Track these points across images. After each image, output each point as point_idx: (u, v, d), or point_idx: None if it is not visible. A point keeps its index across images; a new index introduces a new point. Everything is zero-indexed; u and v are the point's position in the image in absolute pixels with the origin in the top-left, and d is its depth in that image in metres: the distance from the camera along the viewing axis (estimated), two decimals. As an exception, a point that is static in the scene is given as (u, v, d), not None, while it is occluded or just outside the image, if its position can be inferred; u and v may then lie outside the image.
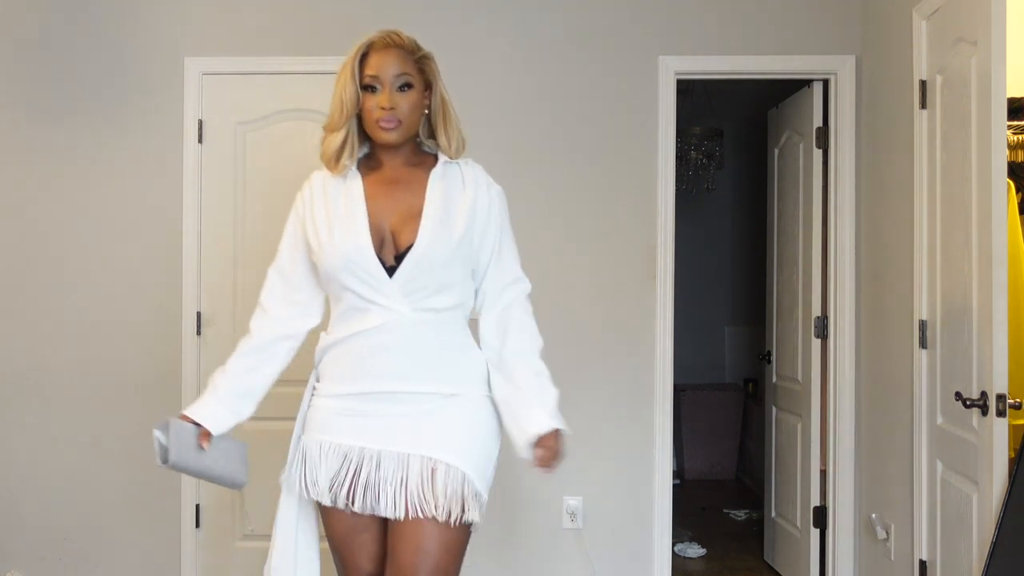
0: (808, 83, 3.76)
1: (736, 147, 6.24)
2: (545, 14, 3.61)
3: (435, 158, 2.03)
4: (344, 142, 1.97)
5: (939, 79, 2.85)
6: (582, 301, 3.55)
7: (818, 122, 3.73)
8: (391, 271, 1.90)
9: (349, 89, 1.94)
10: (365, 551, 2.00)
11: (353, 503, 1.93)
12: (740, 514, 5.15)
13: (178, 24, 3.61)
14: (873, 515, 3.34)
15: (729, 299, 6.46)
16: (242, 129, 3.59)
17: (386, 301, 1.90)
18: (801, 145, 3.89)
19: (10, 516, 3.60)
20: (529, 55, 3.61)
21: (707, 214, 6.32)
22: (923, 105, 2.95)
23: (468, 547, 1.99)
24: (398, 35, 1.97)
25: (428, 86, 2.00)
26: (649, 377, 3.59)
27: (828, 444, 3.64)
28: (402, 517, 1.89)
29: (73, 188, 3.60)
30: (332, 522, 2.00)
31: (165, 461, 1.93)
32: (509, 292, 2.05)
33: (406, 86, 1.95)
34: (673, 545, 3.87)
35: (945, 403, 2.75)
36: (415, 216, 1.93)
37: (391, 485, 1.90)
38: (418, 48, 1.99)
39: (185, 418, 1.98)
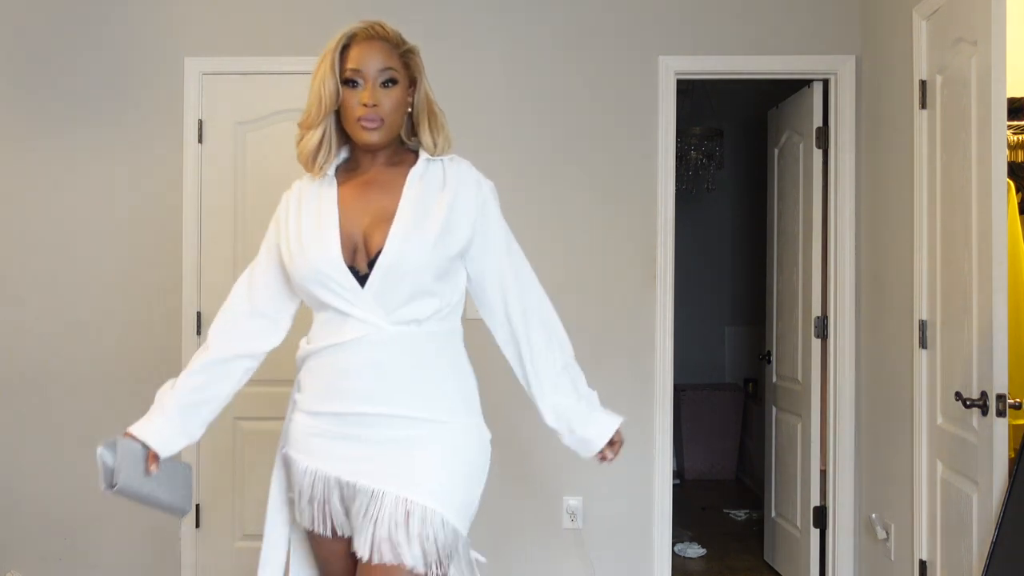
0: (808, 83, 3.76)
1: (736, 147, 6.24)
2: (545, 14, 3.61)
3: (416, 156, 1.88)
4: (321, 141, 1.82)
5: (939, 79, 2.85)
6: (582, 301, 3.55)
7: (818, 122, 3.73)
8: (365, 280, 1.74)
9: (328, 83, 1.78)
10: (348, 572, 1.87)
11: (330, 530, 1.82)
12: (740, 514, 5.15)
13: (178, 24, 3.61)
14: (873, 515, 3.34)
15: (729, 299, 6.45)
16: (242, 129, 3.59)
17: (361, 313, 1.74)
18: (801, 145, 3.89)
19: (10, 516, 3.60)
20: (529, 55, 3.61)
21: (707, 214, 6.32)
22: (923, 105, 2.95)
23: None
24: (382, 26, 1.83)
25: (412, 82, 1.85)
26: (649, 377, 3.59)
27: (828, 444, 3.64)
28: (366, 559, 1.72)
29: (73, 188, 3.60)
30: (312, 542, 1.91)
31: (111, 486, 1.76)
32: (521, 302, 1.88)
33: (390, 82, 1.80)
34: (673, 545, 3.87)
35: (945, 403, 2.75)
36: (387, 219, 1.77)
37: (361, 523, 1.74)
38: (403, 41, 1.84)
39: (130, 436, 1.82)
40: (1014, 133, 3.04)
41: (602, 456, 1.91)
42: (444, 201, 1.79)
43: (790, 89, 3.98)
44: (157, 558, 3.59)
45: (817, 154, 3.74)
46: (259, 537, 2.01)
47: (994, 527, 2.38)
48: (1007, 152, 2.65)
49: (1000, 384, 2.40)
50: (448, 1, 3.61)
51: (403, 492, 1.73)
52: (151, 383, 3.50)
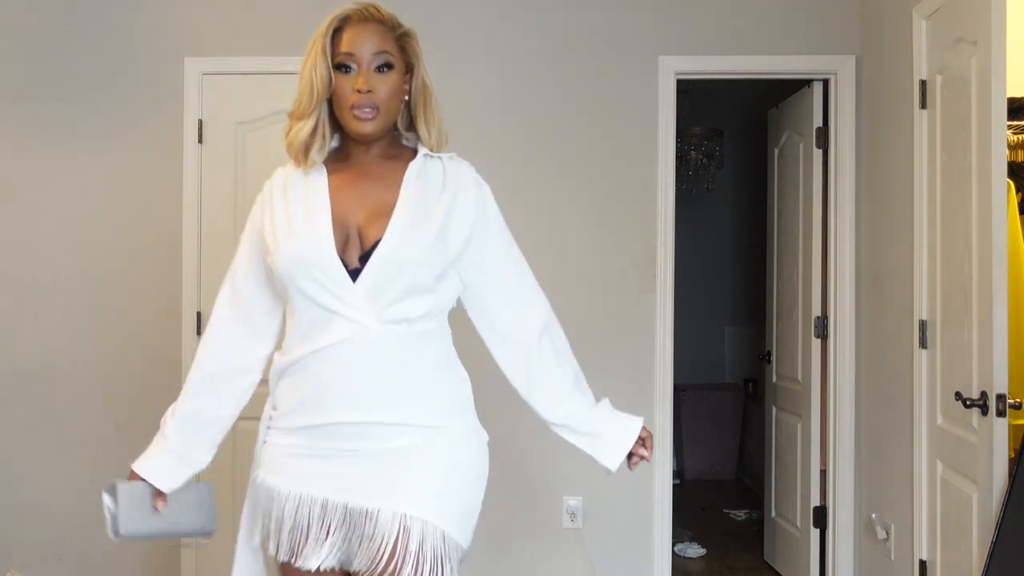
0: (808, 83, 3.76)
1: (736, 147, 6.24)
2: (545, 14, 3.61)
3: (414, 152, 1.76)
4: (314, 131, 1.70)
5: (939, 79, 2.85)
6: (582, 301, 3.55)
7: (818, 122, 3.73)
8: (356, 275, 1.61)
9: (320, 68, 1.65)
10: None
11: (315, 561, 1.64)
12: (740, 514, 5.15)
13: (178, 24, 3.61)
14: (873, 515, 3.34)
15: (729, 299, 6.46)
16: (242, 129, 3.59)
17: (350, 311, 1.60)
18: (801, 145, 3.89)
19: (10, 516, 3.60)
20: (529, 55, 3.61)
21: (707, 214, 6.32)
22: (923, 105, 2.95)
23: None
24: (376, 8, 1.70)
25: (409, 68, 1.72)
26: (649, 377, 3.59)
27: (828, 444, 3.64)
28: None
29: (73, 188, 3.60)
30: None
31: (117, 533, 1.71)
32: (526, 313, 1.77)
33: (385, 66, 1.67)
34: (673, 545, 3.87)
35: (945, 403, 2.75)
36: (385, 213, 1.64)
37: (355, 546, 1.62)
38: (399, 24, 1.72)
39: (134, 476, 1.74)
40: (1014, 133, 3.04)
41: (638, 457, 1.80)
42: (443, 203, 1.68)
43: (790, 89, 3.98)
44: (157, 558, 3.59)
45: (817, 154, 3.74)
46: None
47: (994, 527, 2.37)
48: (1007, 152, 2.65)
49: (1000, 384, 2.40)
50: (448, 1, 3.61)
51: (400, 507, 1.60)
52: (151, 383, 3.55)
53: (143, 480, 1.73)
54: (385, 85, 1.67)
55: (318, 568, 1.64)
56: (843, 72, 3.58)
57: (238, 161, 3.59)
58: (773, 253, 4.26)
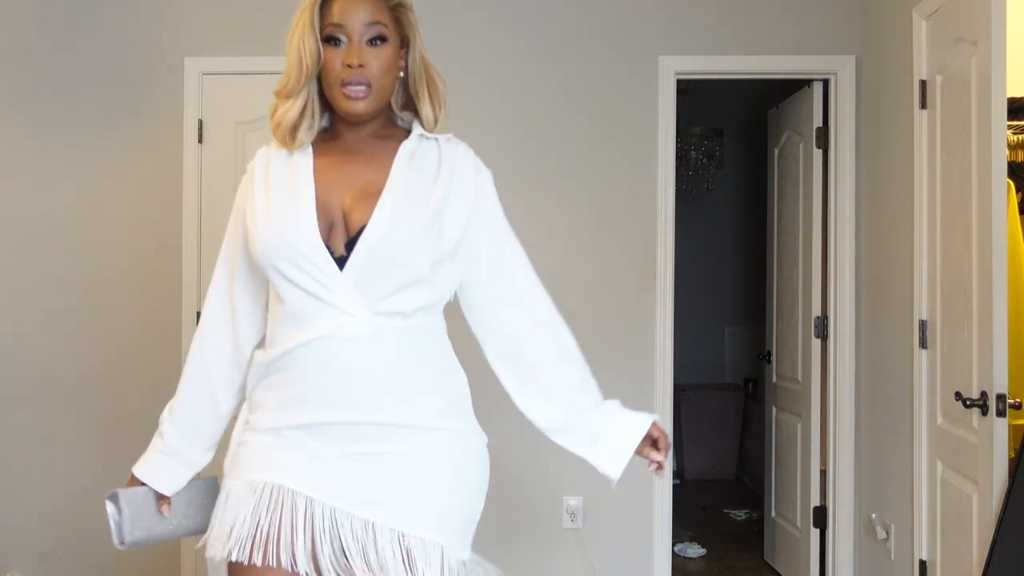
0: (808, 83, 3.76)
1: (736, 147, 6.24)
2: (545, 14, 3.61)
3: (407, 132, 1.62)
4: (303, 111, 1.56)
5: (939, 79, 2.85)
6: (582, 301, 3.55)
7: (818, 122, 3.73)
8: (342, 263, 1.47)
9: (309, 42, 1.51)
10: None
11: (281, 561, 1.47)
12: (740, 514, 5.15)
13: (178, 24, 3.61)
14: (873, 515, 3.34)
15: (729, 299, 6.46)
16: (242, 129, 3.59)
17: (338, 300, 1.46)
18: (801, 145, 3.89)
19: (10, 516, 3.60)
20: (528, 55, 3.61)
21: (707, 214, 6.32)
22: (923, 105, 2.95)
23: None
24: None
25: (405, 43, 1.57)
26: (649, 377, 3.59)
27: (828, 444, 3.64)
28: None
29: (73, 188, 3.60)
30: None
31: (123, 542, 1.67)
32: (529, 312, 1.64)
33: (378, 39, 1.52)
34: (673, 545, 3.87)
35: (945, 403, 2.75)
36: (373, 194, 1.50)
37: (338, 551, 1.48)
38: None
39: (135, 481, 1.67)
40: (1014, 133, 3.04)
41: (657, 464, 1.64)
42: (438, 189, 1.54)
43: (790, 89, 3.98)
44: (157, 558, 3.59)
45: (817, 154, 3.74)
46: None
47: (994, 527, 2.37)
48: (1007, 152, 2.65)
49: (1000, 384, 2.40)
50: (447, 1, 3.61)
51: (396, 524, 1.48)
52: (151, 383, 3.54)
53: (144, 485, 1.66)
54: (378, 60, 1.52)
55: (284, 566, 1.48)
56: (843, 72, 3.58)
57: (238, 161, 3.59)
58: (773, 253, 4.26)
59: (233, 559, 1.50)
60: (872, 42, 3.48)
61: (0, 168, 3.62)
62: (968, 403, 2.50)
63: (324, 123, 1.62)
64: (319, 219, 1.49)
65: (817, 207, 3.74)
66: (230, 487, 1.55)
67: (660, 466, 1.65)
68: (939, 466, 2.81)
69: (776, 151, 4.24)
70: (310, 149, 1.58)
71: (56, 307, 3.60)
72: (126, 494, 1.66)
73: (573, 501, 3.57)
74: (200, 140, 3.59)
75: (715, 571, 4.22)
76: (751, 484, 5.80)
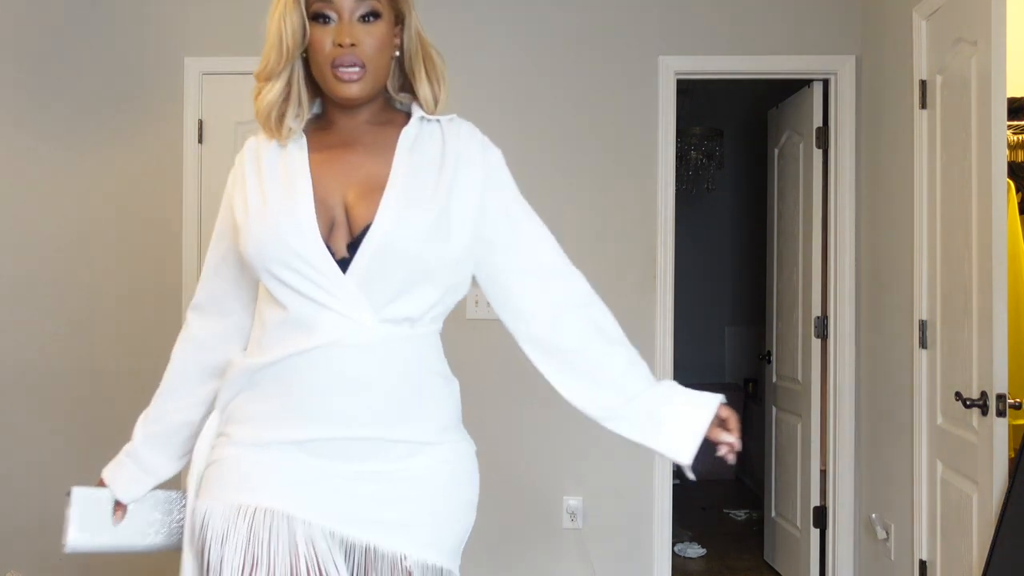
0: (808, 83, 3.76)
1: (736, 147, 6.24)
2: (544, 14, 3.61)
3: (407, 116, 1.49)
4: (287, 94, 1.42)
5: (939, 79, 2.85)
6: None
7: (818, 122, 3.73)
8: (345, 264, 1.35)
9: (292, 18, 1.37)
10: None
11: None
12: (740, 514, 5.15)
13: (178, 24, 3.61)
14: (873, 515, 3.34)
15: (729, 299, 6.46)
16: (242, 129, 3.59)
17: (340, 305, 1.34)
18: (801, 145, 3.89)
19: (10, 516, 3.60)
20: (528, 55, 3.61)
21: (707, 214, 6.32)
22: (923, 105, 2.95)
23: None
24: None
25: (399, 18, 1.44)
26: (649, 377, 3.58)
27: (828, 444, 3.64)
28: None
29: (72, 188, 3.60)
30: None
31: (64, 544, 1.56)
32: (565, 297, 1.50)
33: (371, 15, 1.39)
34: (673, 545, 3.87)
35: (945, 403, 2.75)
36: (376, 188, 1.38)
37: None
38: None
39: (103, 482, 1.58)
40: (1014, 133, 3.04)
41: (724, 445, 1.50)
42: (445, 174, 1.42)
43: (790, 89, 3.98)
44: (158, 560, 3.58)
45: (817, 154, 3.74)
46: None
47: (994, 527, 2.37)
48: (1007, 152, 2.65)
49: (1000, 384, 2.40)
50: (447, 1, 3.61)
51: (398, 546, 1.38)
52: (151, 383, 3.53)
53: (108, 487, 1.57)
54: (372, 37, 1.39)
55: None
56: (843, 72, 3.58)
57: (238, 161, 3.59)
58: (773, 253, 4.26)
59: None
60: (872, 42, 3.48)
61: (0, 168, 3.62)
62: (968, 403, 2.50)
63: (316, 110, 1.49)
64: (318, 217, 1.36)
65: (817, 207, 3.74)
66: (208, 510, 1.38)
67: (732, 448, 1.50)
68: (939, 466, 2.81)
69: (776, 151, 4.24)
70: (304, 139, 1.45)
71: (56, 307, 3.60)
72: (80, 493, 1.56)
73: (573, 501, 3.57)
74: (200, 140, 3.59)
75: (715, 571, 4.22)
76: (751, 484, 5.80)
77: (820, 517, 3.70)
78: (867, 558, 3.46)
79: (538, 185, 3.64)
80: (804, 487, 3.80)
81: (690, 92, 5.33)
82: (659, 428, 1.48)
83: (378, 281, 1.35)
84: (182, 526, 1.61)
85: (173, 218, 3.58)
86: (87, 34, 3.61)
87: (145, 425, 1.58)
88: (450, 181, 1.41)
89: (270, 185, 1.40)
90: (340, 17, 1.38)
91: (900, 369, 3.11)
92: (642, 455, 3.58)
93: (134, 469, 1.57)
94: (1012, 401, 2.40)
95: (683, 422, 1.48)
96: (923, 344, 2.92)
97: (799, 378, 3.90)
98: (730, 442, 1.50)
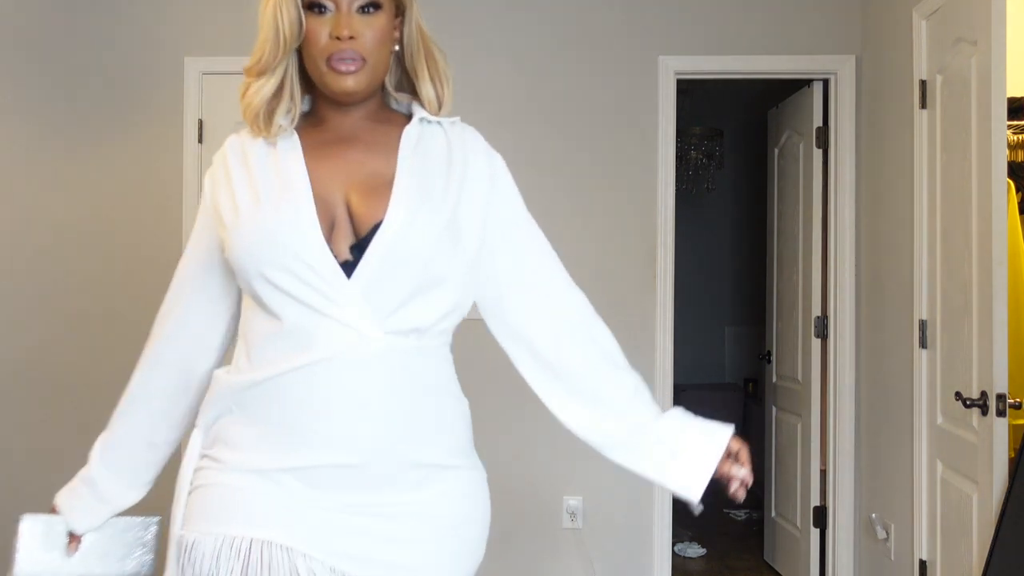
0: (808, 83, 3.76)
1: (736, 147, 6.24)
2: (545, 14, 3.61)
3: (407, 117, 1.39)
4: (280, 90, 1.32)
5: (939, 79, 2.85)
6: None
7: (818, 122, 3.73)
8: (347, 268, 1.23)
9: (288, 8, 1.27)
10: None
11: None
12: (740, 514, 5.15)
13: (178, 24, 3.61)
14: (873, 515, 3.34)
15: (729, 299, 6.46)
16: (242, 129, 3.59)
17: (343, 314, 1.21)
18: (801, 145, 3.89)
19: (10, 516, 3.59)
20: (528, 55, 3.61)
21: (707, 214, 6.32)
22: (923, 105, 2.95)
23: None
24: None
25: (400, 11, 1.35)
26: (649, 377, 3.59)
27: (828, 444, 3.64)
28: None
29: (73, 188, 3.60)
30: None
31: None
32: (566, 315, 1.43)
33: (371, 6, 1.29)
34: (673, 545, 3.87)
35: (945, 403, 2.75)
36: (381, 187, 1.27)
37: None
38: None
39: (55, 509, 1.48)
40: (1014, 133, 3.03)
41: (736, 481, 1.39)
42: (453, 178, 1.32)
43: (790, 89, 3.98)
44: (158, 561, 3.59)
45: (817, 154, 3.74)
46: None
47: (994, 527, 2.37)
48: (1007, 152, 2.65)
49: (1000, 384, 2.40)
50: (446, 1, 3.61)
51: None
52: (151, 383, 3.54)
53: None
54: (371, 30, 1.29)
55: None
56: (843, 72, 3.58)
57: (238, 161, 3.59)
58: (773, 253, 4.26)
59: None
60: (872, 42, 3.48)
61: (0, 168, 3.62)
62: (968, 403, 2.50)
63: (306, 106, 1.38)
64: (319, 216, 1.25)
65: (817, 207, 3.74)
66: (195, 543, 1.24)
67: (744, 484, 1.40)
68: (939, 466, 2.81)
69: (776, 151, 4.24)
70: (295, 136, 1.34)
71: (55, 307, 3.60)
72: (31, 521, 1.43)
73: (573, 501, 3.57)
74: (200, 140, 3.59)
75: (715, 571, 4.22)
76: (751, 484, 5.79)
77: (820, 517, 3.69)
78: (867, 558, 3.46)
79: (537, 185, 3.65)
80: (804, 487, 3.80)
81: (690, 92, 5.33)
82: (668, 462, 1.37)
83: (385, 287, 1.23)
84: (146, 559, 1.49)
85: (173, 218, 3.58)
86: (87, 34, 3.61)
87: (104, 448, 1.45)
88: (459, 185, 1.32)
89: (262, 183, 1.28)
90: (338, 7, 1.28)
91: (900, 369, 3.11)
92: (642, 455, 3.58)
93: (89, 497, 1.44)
94: (1012, 401, 2.40)
95: (693, 457, 1.37)
96: (923, 344, 2.92)
97: (799, 378, 3.90)
98: (743, 477, 1.39)
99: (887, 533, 3.22)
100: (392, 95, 1.41)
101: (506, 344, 1.41)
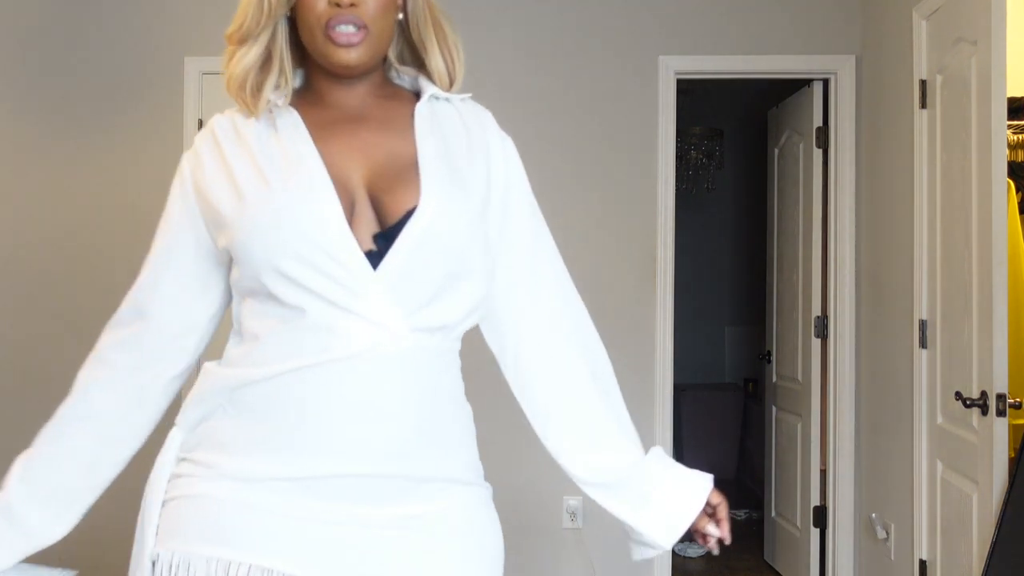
0: (808, 83, 3.76)
1: (736, 147, 6.24)
2: (545, 14, 3.61)
3: (411, 93, 1.25)
4: (267, 60, 1.18)
5: (939, 79, 2.85)
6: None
7: (818, 122, 3.73)
8: (371, 258, 1.08)
9: None
10: None
11: None
12: (740, 514, 5.15)
13: (178, 24, 3.61)
14: (873, 515, 3.34)
15: (729, 299, 6.46)
16: (242, 129, 3.60)
17: (367, 310, 1.07)
18: (801, 145, 3.89)
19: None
20: (528, 55, 3.61)
21: (707, 214, 6.32)
22: (923, 105, 2.95)
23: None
24: None
25: None
26: (649, 377, 3.59)
27: (828, 444, 3.64)
28: None
29: (73, 188, 3.60)
30: None
31: None
32: (565, 321, 1.30)
33: None
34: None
35: (945, 403, 2.75)
36: (405, 169, 1.13)
37: None
38: None
39: None
40: (1014, 133, 3.04)
41: (717, 540, 1.28)
42: (476, 159, 1.20)
43: (790, 89, 3.98)
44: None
45: (817, 154, 3.74)
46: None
47: (994, 527, 2.37)
48: (1007, 152, 2.65)
49: (1000, 384, 2.40)
50: (443, 1, 3.61)
51: None
52: (151, 383, 3.54)
53: None
54: None
55: None
56: (843, 72, 3.58)
57: (238, 161, 3.59)
58: (773, 253, 4.26)
59: None
60: (872, 42, 3.48)
61: (0, 168, 3.62)
62: (968, 403, 2.50)
63: (298, 82, 1.24)
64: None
65: (817, 207, 3.74)
66: (181, 565, 1.11)
67: (721, 541, 1.29)
68: (939, 466, 2.81)
69: (776, 151, 4.24)
70: (295, 113, 1.18)
71: (56, 307, 3.60)
72: None
73: (573, 501, 3.57)
74: (200, 140, 3.59)
75: (715, 571, 4.22)
76: (751, 484, 5.80)
77: (820, 517, 3.70)
78: (867, 558, 3.46)
79: (537, 185, 3.63)
80: (804, 487, 3.80)
81: (690, 92, 5.33)
82: (643, 507, 1.26)
83: (415, 280, 1.09)
84: None
85: (173, 218, 3.58)
86: (87, 34, 3.61)
87: (28, 467, 1.22)
88: (484, 169, 1.20)
89: (268, 166, 1.12)
90: None
91: (900, 369, 3.11)
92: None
93: (6, 530, 1.21)
94: (1012, 401, 2.40)
95: (672, 508, 1.26)
96: (923, 344, 2.92)
97: (799, 378, 3.90)
98: (719, 535, 1.28)
99: (887, 533, 3.22)
100: (397, 68, 1.26)
101: (493, 344, 1.30)
